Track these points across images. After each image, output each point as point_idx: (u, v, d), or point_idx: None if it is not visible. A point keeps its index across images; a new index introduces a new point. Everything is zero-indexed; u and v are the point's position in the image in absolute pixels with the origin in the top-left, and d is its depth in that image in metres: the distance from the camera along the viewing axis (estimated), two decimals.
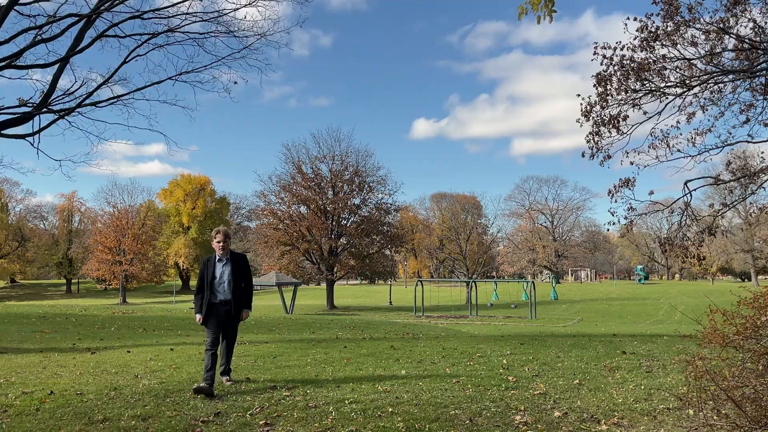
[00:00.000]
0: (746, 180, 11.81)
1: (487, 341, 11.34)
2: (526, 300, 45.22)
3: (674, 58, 10.88)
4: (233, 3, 12.35)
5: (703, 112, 11.55)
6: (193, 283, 70.86)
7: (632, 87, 11.12)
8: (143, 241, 58.41)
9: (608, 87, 11.17)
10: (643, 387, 6.31)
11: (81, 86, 11.97)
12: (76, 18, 11.37)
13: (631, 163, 11.67)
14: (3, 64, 10.98)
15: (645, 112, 11.51)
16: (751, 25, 10.48)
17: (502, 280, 62.19)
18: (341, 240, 43.94)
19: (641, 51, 10.84)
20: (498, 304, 46.00)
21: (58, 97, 11.82)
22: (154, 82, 12.39)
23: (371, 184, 44.84)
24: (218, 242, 6.46)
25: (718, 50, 10.73)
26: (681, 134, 11.99)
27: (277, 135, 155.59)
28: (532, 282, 38.81)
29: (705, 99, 11.38)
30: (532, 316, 31.91)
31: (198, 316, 6.49)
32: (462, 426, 4.85)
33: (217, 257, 6.50)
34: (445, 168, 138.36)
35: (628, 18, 11.08)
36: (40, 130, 11.48)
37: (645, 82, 11.09)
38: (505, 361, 8.23)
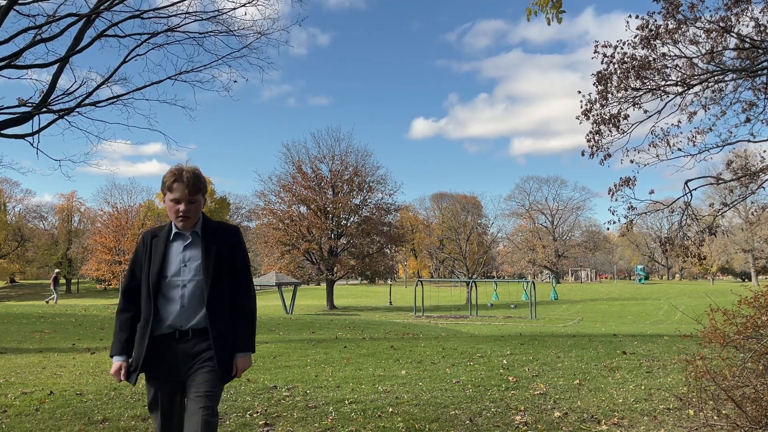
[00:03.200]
0: (747, 179, 11.81)
1: (487, 341, 11.33)
2: (526, 300, 45.18)
3: (675, 56, 10.89)
4: (233, 2, 12.36)
5: (705, 111, 11.57)
6: None
7: (632, 85, 11.13)
8: None
9: (608, 85, 11.18)
10: (643, 387, 6.30)
11: (80, 86, 12.00)
12: (76, 18, 11.38)
13: (631, 162, 11.68)
14: (2, 63, 10.98)
15: (645, 111, 11.53)
16: (752, 24, 10.48)
17: (502, 280, 62.14)
18: (341, 240, 43.92)
19: (642, 49, 10.85)
20: (498, 304, 45.97)
21: (57, 97, 11.84)
22: (154, 82, 12.41)
23: (371, 184, 44.87)
24: (176, 199, 2.91)
25: (719, 49, 10.74)
26: (681, 133, 12.01)
27: (277, 134, 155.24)
28: (532, 282, 38.79)
29: (706, 98, 11.39)
30: (532, 316, 31.89)
31: (117, 362, 2.94)
32: (462, 426, 4.84)
33: (173, 231, 2.99)
34: (445, 168, 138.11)
35: (630, 16, 11.12)
36: (40, 130, 11.48)
37: (645, 81, 11.10)
38: (505, 362, 8.22)
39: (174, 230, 3.01)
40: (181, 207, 2.93)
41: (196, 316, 2.90)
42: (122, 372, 2.94)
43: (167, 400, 2.94)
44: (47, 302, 28.59)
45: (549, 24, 4.07)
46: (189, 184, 2.92)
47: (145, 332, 2.90)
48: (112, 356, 2.98)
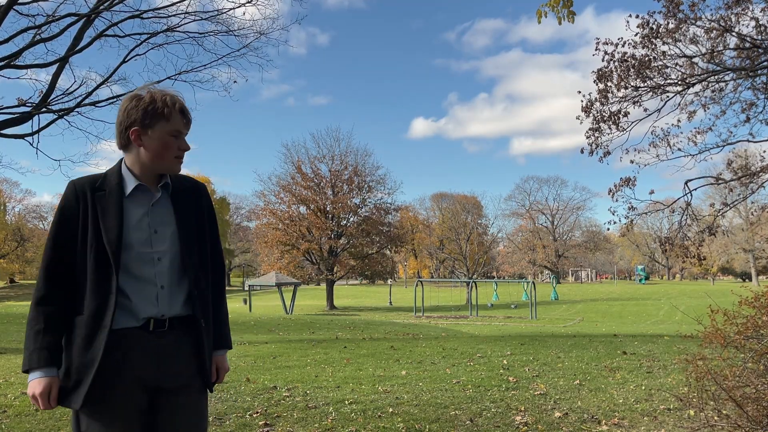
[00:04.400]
0: (747, 179, 11.82)
1: (488, 341, 11.32)
2: (526, 300, 45.18)
3: (675, 55, 10.90)
4: (233, 2, 12.37)
5: (705, 111, 11.58)
6: None
7: (633, 84, 11.15)
8: None
9: (609, 83, 11.19)
10: (643, 387, 6.29)
11: (80, 86, 12.00)
12: (76, 17, 11.37)
13: (631, 162, 11.70)
14: (2, 63, 10.98)
15: (645, 109, 11.55)
16: (752, 23, 10.48)
17: (503, 281, 62.11)
18: (341, 240, 43.94)
19: (642, 48, 10.86)
20: (498, 304, 45.98)
21: (57, 96, 11.84)
22: (154, 82, 12.21)
23: (370, 184, 44.90)
24: (177, 131, 2.05)
25: (719, 48, 10.75)
26: (681, 133, 12.07)
27: (277, 134, 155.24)
28: (533, 282, 38.79)
29: (706, 98, 11.41)
30: (533, 317, 31.89)
31: (43, 380, 1.88)
32: (462, 426, 4.83)
33: (130, 183, 2.05)
34: (445, 168, 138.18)
35: (630, 15, 11.14)
36: (40, 129, 11.49)
37: (646, 79, 11.11)
38: (505, 362, 8.21)
39: (135, 182, 2.06)
40: (184, 144, 2.10)
41: (177, 301, 2.06)
42: (52, 393, 1.91)
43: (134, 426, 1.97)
44: None
45: (560, 24, 4.07)
46: (189, 115, 2.10)
47: (100, 326, 1.92)
48: (28, 370, 1.91)
